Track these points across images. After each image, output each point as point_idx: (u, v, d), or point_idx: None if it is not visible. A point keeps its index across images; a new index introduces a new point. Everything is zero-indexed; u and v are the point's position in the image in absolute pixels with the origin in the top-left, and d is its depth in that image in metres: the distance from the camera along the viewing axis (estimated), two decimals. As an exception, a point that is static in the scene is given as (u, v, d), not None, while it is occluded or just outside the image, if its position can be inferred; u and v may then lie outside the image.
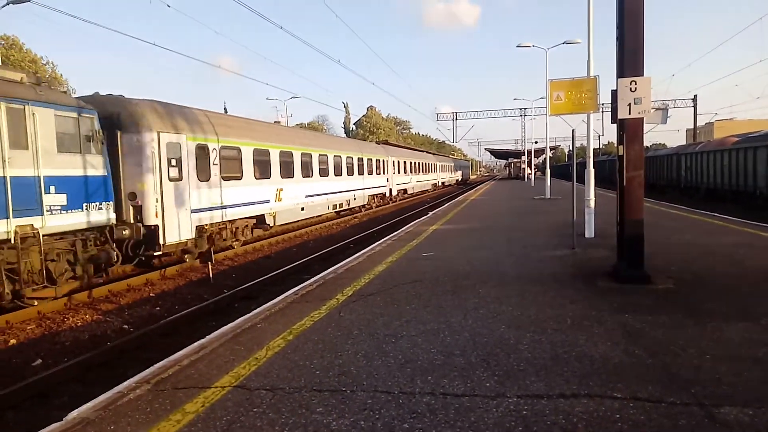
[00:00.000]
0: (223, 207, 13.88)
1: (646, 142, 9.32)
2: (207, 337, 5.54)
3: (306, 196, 19.53)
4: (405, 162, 38.75)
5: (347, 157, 24.66)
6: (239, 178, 14.77)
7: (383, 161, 32.04)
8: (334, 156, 22.90)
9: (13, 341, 7.80)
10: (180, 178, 12.14)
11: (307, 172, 19.78)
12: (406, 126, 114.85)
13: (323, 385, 4.10)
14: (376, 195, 31.01)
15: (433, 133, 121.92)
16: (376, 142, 48.86)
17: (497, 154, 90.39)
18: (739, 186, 22.05)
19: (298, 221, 19.98)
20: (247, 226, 15.69)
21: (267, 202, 16.43)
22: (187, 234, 12.36)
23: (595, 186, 12.54)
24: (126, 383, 4.33)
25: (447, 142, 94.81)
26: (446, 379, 4.13)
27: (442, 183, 59.66)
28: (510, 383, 4.00)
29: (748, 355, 4.41)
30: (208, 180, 13.23)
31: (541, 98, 42.14)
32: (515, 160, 73.22)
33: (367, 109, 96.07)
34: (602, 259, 8.90)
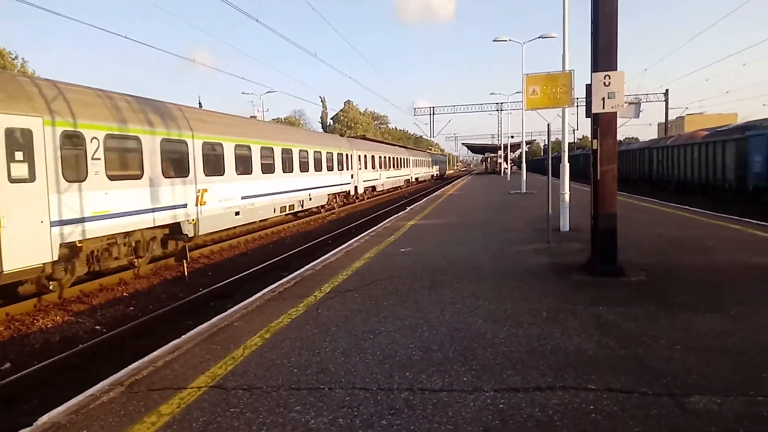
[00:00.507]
0: (111, 216, 10.68)
1: (619, 136, 9.51)
2: (182, 336, 5.47)
3: (242, 198, 16.23)
4: (373, 156, 35.63)
5: (300, 151, 21.41)
6: (138, 177, 11.53)
7: (347, 155, 28.79)
8: (283, 149, 19.63)
9: (-20, 344, 7.59)
10: (31, 178, 8.90)
11: (244, 168, 16.48)
12: (383, 121, 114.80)
13: (301, 383, 4.09)
14: (339, 194, 27.68)
15: (410, 128, 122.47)
16: (353, 137, 48.47)
17: (474, 148, 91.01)
18: (709, 179, 22.61)
19: (233, 228, 16.94)
20: (154, 238, 12.49)
21: (183, 206, 13.10)
22: (45, 255, 9.03)
23: (570, 180, 12.73)
24: (99, 386, 4.26)
25: (424, 136, 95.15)
26: (424, 374, 4.16)
27: (416, 179, 57.42)
28: (487, 377, 4.05)
29: (717, 345, 4.53)
30: (83, 180, 9.98)
31: (518, 93, 42.61)
32: (492, 155, 73.75)
33: (345, 104, 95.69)
34: (577, 253, 9.05)
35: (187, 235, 13.32)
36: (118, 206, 10.88)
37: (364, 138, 46.93)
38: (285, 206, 19.80)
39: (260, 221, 18.77)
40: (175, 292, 10.54)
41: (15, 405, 5.76)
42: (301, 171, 21.52)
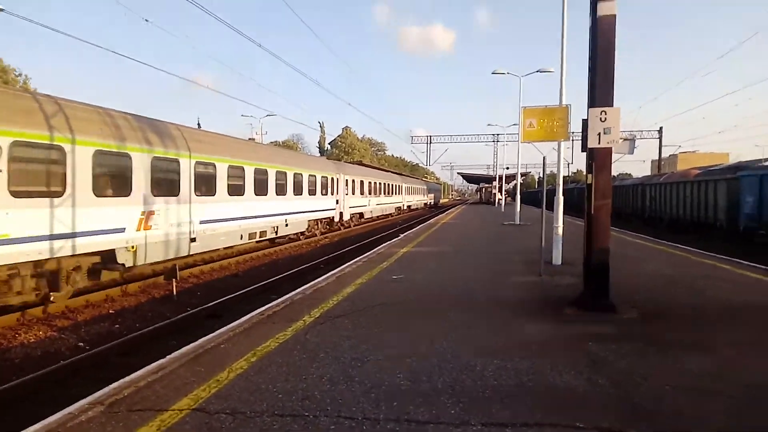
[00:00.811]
0: (12, 241, 8.72)
1: (613, 172, 9.61)
2: (167, 357, 5.37)
3: (201, 222, 14.19)
4: (362, 181, 33.56)
5: (278, 172, 19.47)
6: (58, 194, 9.60)
7: (332, 179, 26.68)
8: (256, 169, 17.62)
9: (-41, 357, 7.43)
10: None
11: (206, 188, 14.53)
12: (381, 147, 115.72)
13: (286, 409, 4.01)
14: (321, 220, 25.62)
15: (407, 156, 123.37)
16: (349, 162, 48.38)
17: (469, 178, 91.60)
18: (700, 217, 22.77)
19: (188, 256, 14.51)
20: (78, 267, 10.42)
21: (120, 230, 11.15)
22: None
23: (563, 213, 12.78)
24: (78, 404, 4.15)
25: (421, 165, 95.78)
26: (412, 405, 4.08)
27: (408, 206, 55.36)
28: (475, 411, 3.98)
29: (708, 386, 4.49)
30: None
31: (514, 125, 43.04)
32: (486, 185, 74.20)
33: (343, 130, 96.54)
34: (568, 287, 9.02)
35: (123, 264, 11.34)
36: (24, 229, 8.94)
37: (360, 164, 47.00)
38: (255, 232, 17.75)
39: (225, 249, 16.86)
40: (163, 311, 10.40)
41: (-10, 421, 5.60)
42: (278, 194, 19.52)
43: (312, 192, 23.44)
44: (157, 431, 3.63)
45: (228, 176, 15.71)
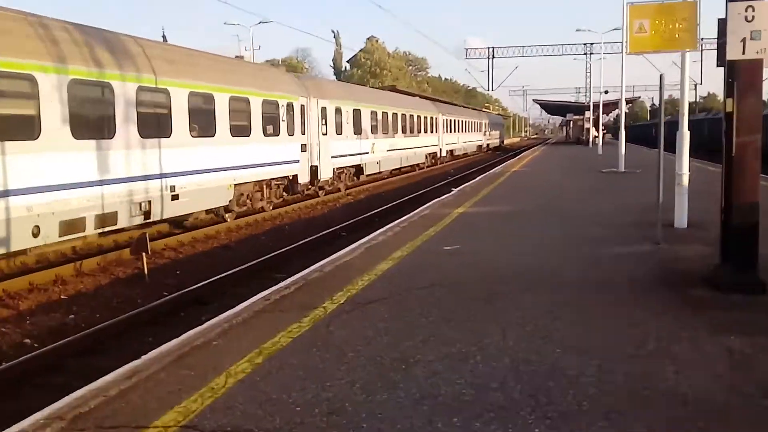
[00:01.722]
0: None
1: (765, 95, 9.22)
2: (143, 357, 5.57)
3: None
4: (357, 111, 28.13)
5: (141, 89, 13.68)
6: None
7: (289, 107, 21.18)
8: (75, 80, 11.84)
9: None
10: None
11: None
12: (421, 66, 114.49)
13: (306, 427, 4.12)
14: (267, 183, 20.20)
15: (461, 77, 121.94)
16: (383, 88, 47.59)
17: (551, 108, 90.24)
18: None
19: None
20: None
21: None
22: None
23: (689, 155, 12.51)
24: (31, 418, 4.35)
25: (480, 89, 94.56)
26: (478, 422, 4.15)
27: (451, 152, 51.65)
28: (568, 431, 4.02)
29: None
30: None
31: (615, 29, 41.90)
32: (576, 117, 73.08)
33: (367, 41, 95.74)
34: (697, 259, 8.91)
35: None
36: None
37: (394, 90, 46.35)
38: (80, 218, 12.05)
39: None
40: (131, 295, 10.75)
41: None
42: (144, 136, 13.82)
43: (243, 132, 18.18)
44: (137, 454, 3.80)
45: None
